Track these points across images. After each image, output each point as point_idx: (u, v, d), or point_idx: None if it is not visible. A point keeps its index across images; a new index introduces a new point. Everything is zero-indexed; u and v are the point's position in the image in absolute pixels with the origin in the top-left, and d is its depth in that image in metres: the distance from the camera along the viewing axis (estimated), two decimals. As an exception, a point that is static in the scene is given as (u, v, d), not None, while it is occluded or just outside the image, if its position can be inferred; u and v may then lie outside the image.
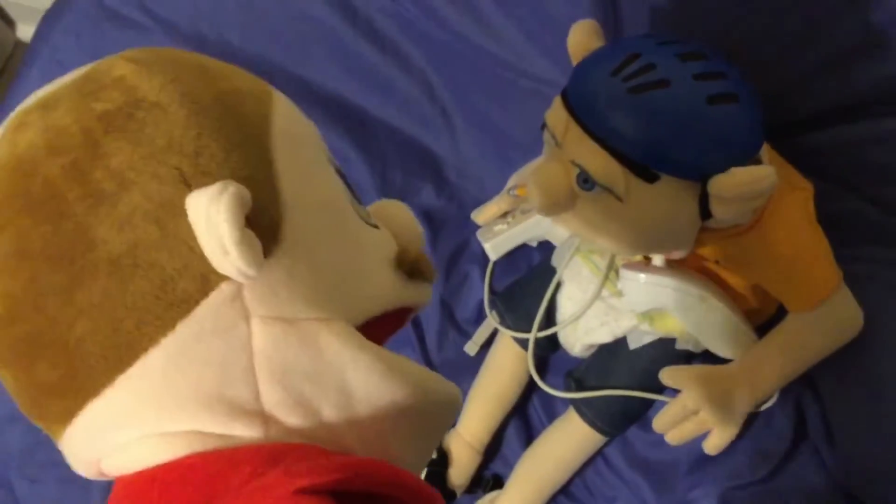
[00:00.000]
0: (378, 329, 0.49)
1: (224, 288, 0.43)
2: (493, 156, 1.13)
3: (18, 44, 1.79)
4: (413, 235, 0.57)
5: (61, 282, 0.42)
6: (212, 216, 0.41)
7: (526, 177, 1.07)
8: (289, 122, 0.49)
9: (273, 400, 0.44)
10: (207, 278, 0.42)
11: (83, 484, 1.09)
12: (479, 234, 1.11)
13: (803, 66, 0.97)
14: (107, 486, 1.08)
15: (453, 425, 1.09)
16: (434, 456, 1.08)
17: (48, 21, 1.10)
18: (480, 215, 1.10)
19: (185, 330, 0.42)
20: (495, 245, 1.09)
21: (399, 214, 0.58)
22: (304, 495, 0.39)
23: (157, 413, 0.43)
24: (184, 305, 0.42)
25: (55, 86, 0.46)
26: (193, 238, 0.42)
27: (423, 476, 1.05)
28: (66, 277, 0.42)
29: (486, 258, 1.12)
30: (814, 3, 0.95)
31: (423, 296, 0.55)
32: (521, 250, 1.11)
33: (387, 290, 0.51)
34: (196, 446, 0.44)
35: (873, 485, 0.91)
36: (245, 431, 0.44)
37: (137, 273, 0.42)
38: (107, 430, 0.44)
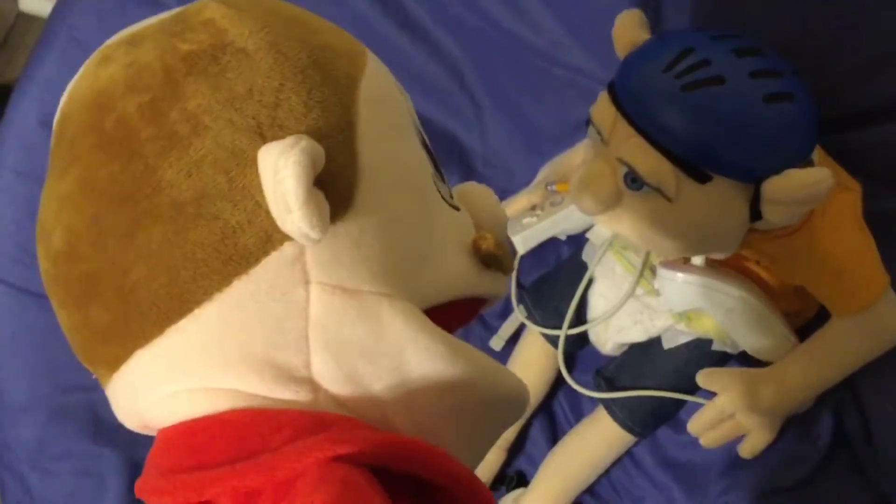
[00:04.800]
0: (446, 318, 0.47)
1: (286, 249, 0.41)
2: (522, 146, 1.09)
3: (20, 15, 1.74)
4: (495, 222, 0.54)
5: (123, 223, 0.41)
6: (279, 170, 0.39)
7: (560, 170, 1.05)
8: (378, 87, 0.47)
9: (324, 371, 0.43)
10: (270, 236, 0.41)
11: (98, 476, 1.06)
12: (507, 227, 1.08)
13: (852, 63, 0.94)
14: (122, 478, 1.06)
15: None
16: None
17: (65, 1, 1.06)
18: (509, 207, 1.07)
19: (241, 287, 0.41)
20: (525, 238, 1.06)
21: (483, 199, 0.55)
22: (342, 463, 0.38)
23: (204, 369, 0.42)
24: (243, 262, 0.41)
25: (144, 23, 0.46)
26: (261, 192, 0.41)
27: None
28: (128, 219, 0.41)
29: (512, 251, 1.08)
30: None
31: (498, 287, 0.53)
32: (550, 243, 1.08)
33: (459, 275, 0.49)
34: (239, 403, 0.43)
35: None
36: (291, 397, 0.43)
37: (199, 222, 0.41)
38: (152, 380, 0.43)
